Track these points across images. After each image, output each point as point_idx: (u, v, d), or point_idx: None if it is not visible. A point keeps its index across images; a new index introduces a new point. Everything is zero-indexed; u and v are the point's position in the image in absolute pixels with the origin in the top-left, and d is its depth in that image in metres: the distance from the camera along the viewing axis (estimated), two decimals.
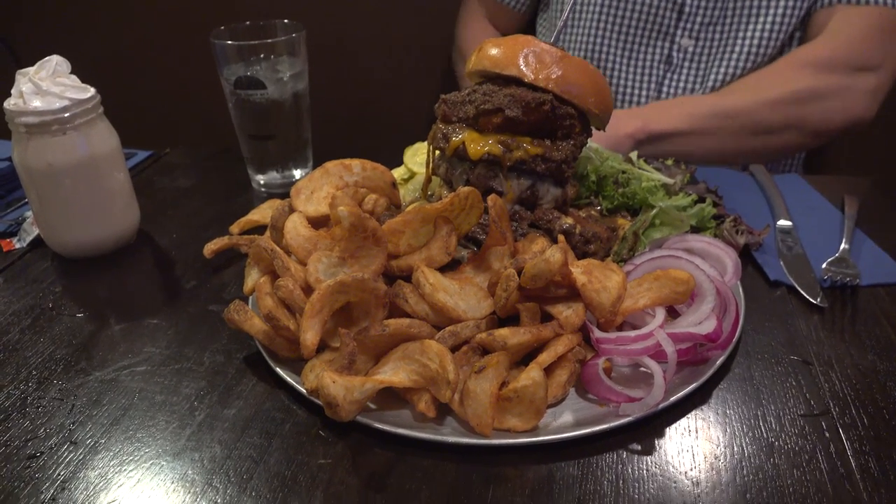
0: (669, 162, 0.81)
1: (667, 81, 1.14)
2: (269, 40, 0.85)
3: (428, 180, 0.72)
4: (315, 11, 1.38)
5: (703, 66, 1.12)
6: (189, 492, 0.50)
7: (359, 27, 1.48)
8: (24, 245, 0.82)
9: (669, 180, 0.75)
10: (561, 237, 0.62)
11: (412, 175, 0.82)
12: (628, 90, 1.17)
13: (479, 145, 0.66)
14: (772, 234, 0.76)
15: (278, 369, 0.58)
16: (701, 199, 0.74)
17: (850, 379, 0.58)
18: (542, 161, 0.66)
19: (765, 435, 0.53)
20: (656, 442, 0.52)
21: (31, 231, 0.83)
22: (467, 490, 0.49)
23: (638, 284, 0.59)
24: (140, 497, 0.50)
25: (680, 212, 0.70)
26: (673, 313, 0.60)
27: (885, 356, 0.60)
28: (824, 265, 0.70)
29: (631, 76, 1.16)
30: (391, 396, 0.55)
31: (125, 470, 0.52)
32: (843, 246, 0.73)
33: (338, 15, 1.46)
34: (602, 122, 0.70)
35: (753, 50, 1.08)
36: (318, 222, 0.66)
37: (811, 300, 0.66)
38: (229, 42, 0.85)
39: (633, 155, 0.80)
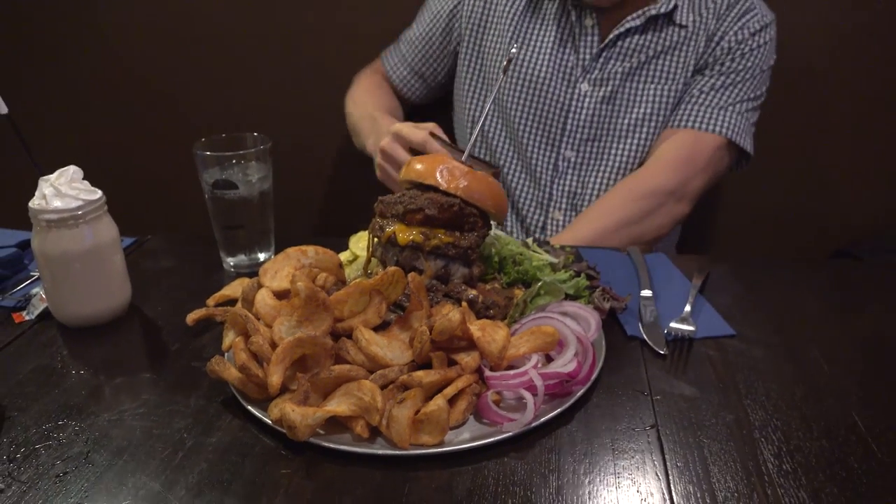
0: (558, 246, 1.04)
1: (555, 186, 1.39)
2: (241, 151, 1.06)
3: (368, 261, 0.93)
4: (280, 123, 1.62)
5: (583, 174, 1.38)
6: (184, 495, 0.67)
7: (321, 139, 1.73)
8: (33, 317, 0.99)
9: (555, 260, 0.97)
10: (465, 304, 0.83)
11: (355, 257, 1.02)
12: (524, 191, 1.43)
13: (406, 235, 0.88)
14: (635, 300, 0.98)
15: (249, 407, 0.77)
16: (579, 274, 0.96)
17: (677, 404, 0.79)
18: (452, 248, 0.87)
19: (608, 443, 0.73)
20: (529, 450, 0.72)
21: (38, 305, 1.00)
22: (390, 488, 0.67)
23: (520, 337, 0.79)
24: (146, 501, 0.67)
25: (560, 284, 0.92)
26: (549, 359, 0.81)
27: (703, 389, 0.81)
28: (671, 323, 0.92)
29: (524, 179, 1.42)
30: (335, 423, 0.74)
31: (133, 482, 0.69)
32: (686, 308, 0.95)
33: (301, 126, 1.70)
34: (498, 220, 0.92)
35: (624, 162, 1.36)
36: (280, 295, 0.86)
37: (657, 350, 0.88)
38: (208, 153, 1.06)
39: (529, 240, 1.03)
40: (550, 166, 1.40)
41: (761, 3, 1.38)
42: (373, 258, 0.92)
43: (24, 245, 1.14)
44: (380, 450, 0.71)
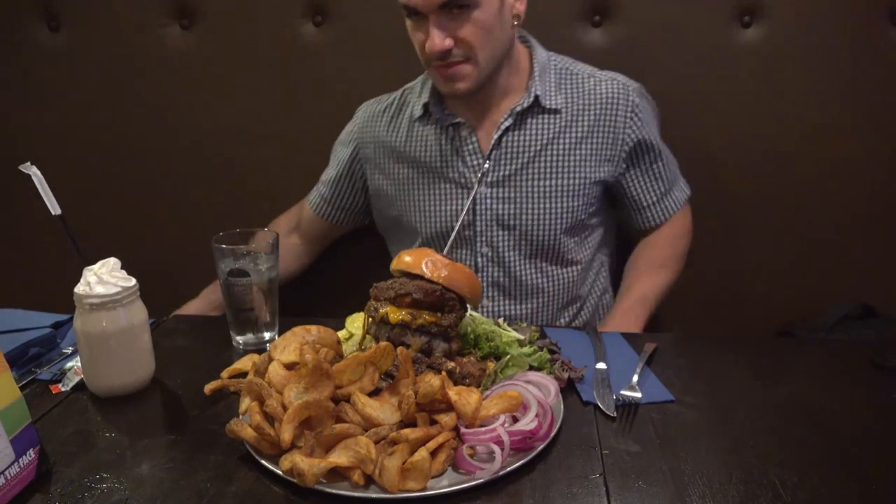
0: (524, 325, 1.21)
1: (479, 278, 1.49)
2: (253, 244, 1.24)
3: (363, 337, 1.10)
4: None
5: (505, 262, 1.48)
6: None
7: None
8: (68, 388, 1.13)
9: (521, 337, 1.14)
10: (444, 374, 0.99)
11: (351, 335, 1.18)
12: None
13: (396, 315, 1.05)
14: (591, 371, 1.14)
15: (263, 461, 0.91)
16: (542, 349, 1.13)
17: (622, 457, 0.94)
18: (435, 326, 1.04)
19: (564, 488, 0.87)
20: (497, 495, 0.86)
21: (73, 378, 1.14)
22: None
23: (490, 401, 0.95)
24: None
25: (526, 357, 1.09)
26: (515, 419, 0.96)
27: (645, 445, 0.96)
28: (620, 391, 1.08)
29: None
30: (335, 473, 0.88)
31: None
32: (634, 378, 1.11)
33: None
34: (473, 304, 1.10)
35: (541, 245, 1.48)
36: (288, 366, 1.01)
37: (607, 413, 1.04)
38: (224, 245, 1.23)
39: (500, 320, 1.20)
40: (472, 265, 1.49)
41: (626, 82, 1.47)
42: (368, 334, 1.09)
43: (57, 325, 1.29)
44: (374, 494, 0.85)
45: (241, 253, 1.24)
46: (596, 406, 1.06)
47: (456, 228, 1.42)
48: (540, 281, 1.51)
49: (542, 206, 1.44)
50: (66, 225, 1.10)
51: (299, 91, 1.78)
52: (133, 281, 1.10)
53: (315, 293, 1.86)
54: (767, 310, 1.80)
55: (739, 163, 1.72)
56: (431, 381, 0.91)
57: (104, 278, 1.07)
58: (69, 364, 1.18)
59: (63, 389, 1.13)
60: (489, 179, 1.45)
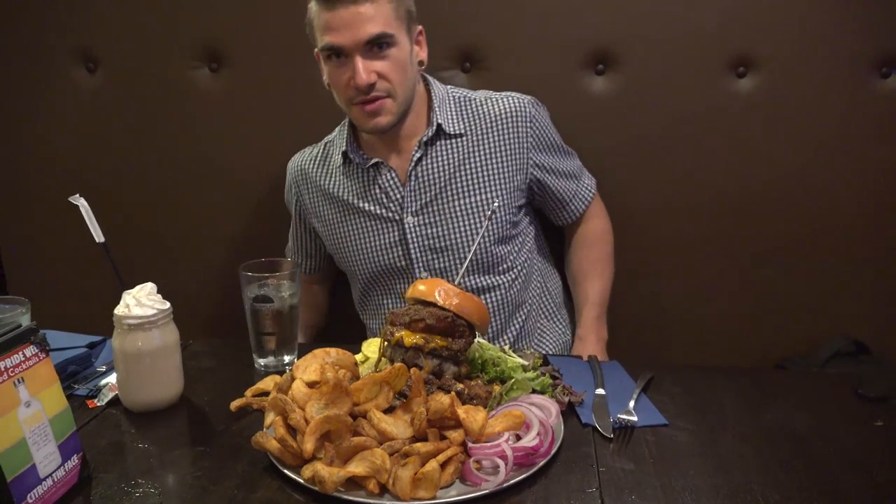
0: (528, 352, 1.29)
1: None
2: (276, 273, 1.34)
3: (378, 360, 1.18)
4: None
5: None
6: None
7: None
8: (103, 403, 1.21)
9: (525, 363, 1.22)
10: (453, 394, 1.07)
11: (367, 358, 1.27)
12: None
13: (410, 339, 1.13)
14: (590, 396, 1.22)
15: (286, 471, 0.99)
16: (545, 374, 1.21)
17: (617, 474, 1.01)
18: (445, 350, 1.13)
19: (563, 501, 0.95)
20: (500, 503, 0.94)
21: (108, 394, 1.23)
22: None
23: (495, 419, 1.03)
24: None
25: (529, 382, 1.17)
26: (518, 437, 1.04)
27: (639, 463, 1.04)
28: (618, 415, 1.16)
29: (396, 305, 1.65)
30: (352, 483, 0.96)
31: None
32: (631, 403, 1.19)
33: None
34: (482, 331, 1.18)
35: (475, 261, 1.58)
36: (310, 385, 1.10)
37: (604, 434, 1.11)
38: (250, 273, 1.33)
39: (506, 347, 1.28)
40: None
41: (520, 97, 1.60)
42: (384, 357, 1.17)
43: (92, 346, 1.38)
44: (388, 501, 0.93)
45: (265, 280, 1.33)
46: (594, 428, 1.13)
47: (394, 263, 1.58)
48: (483, 295, 1.62)
49: (466, 223, 1.56)
50: (108, 251, 1.20)
51: (324, 129, 1.88)
52: (167, 304, 1.19)
53: (330, 321, 1.95)
54: (765, 346, 1.87)
55: (734, 203, 1.81)
56: (442, 399, 0.99)
57: (142, 301, 1.16)
58: (104, 381, 1.27)
59: (98, 404, 1.22)
60: (413, 209, 1.57)
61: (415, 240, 1.58)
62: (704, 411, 1.20)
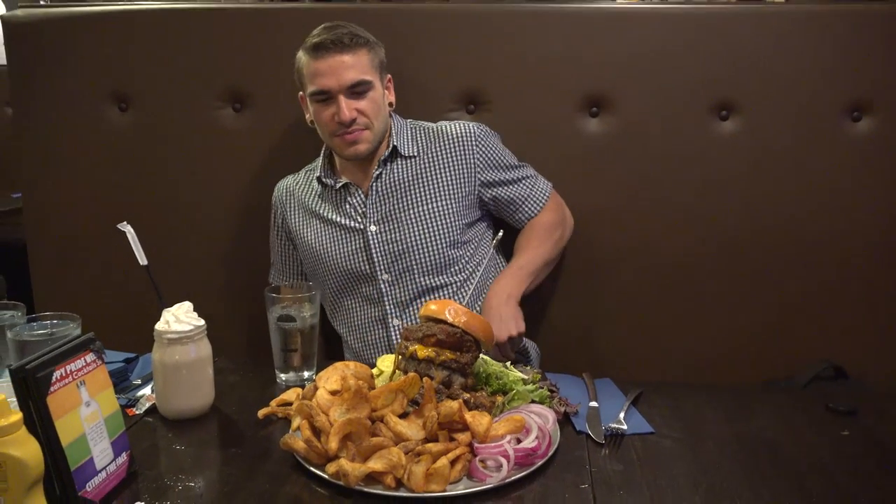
0: (528, 367, 1.41)
1: (386, 302, 1.77)
2: (298, 295, 1.47)
3: (393, 373, 1.30)
4: None
5: (404, 283, 1.76)
6: None
7: None
8: (142, 412, 1.33)
9: (525, 377, 1.35)
10: (461, 400, 1.19)
11: (381, 372, 1.39)
12: (364, 321, 1.81)
13: (423, 352, 1.26)
14: (584, 408, 1.34)
15: (312, 468, 1.11)
16: (543, 387, 1.33)
17: (607, 474, 1.13)
18: (454, 363, 1.25)
19: (559, 494, 1.07)
20: (503, 498, 1.06)
21: (145, 403, 1.35)
22: None
23: (498, 423, 1.15)
24: None
25: (529, 393, 1.29)
26: (519, 440, 1.16)
27: (627, 465, 1.16)
28: (609, 423, 1.28)
29: (362, 312, 1.81)
30: (370, 479, 1.08)
31: None
32: (621, 414, 1.31)
33: None
34: (487, 347, 1.31)
35: (434, 262, 1.74)
36: (332, 393, 1.22)
37: (597, 440, 1.23)
38: (274, 294, 1.46)
39: (508, 363, 1.41)
40: (375, 292, 1.77)
41: (469, 122, 1.81)
42: (398, 369, 1.30)
43: (128, 361, 1.50)
44: (403, 493, 1.05)
45: (288, 301, 1.46)
46: (587, 435, 1.25)
47: (358, 267, 1.77)
48: (435, 293, 1.76)
49: (420, 230, 1.74)
50: (150, 273, 1.33)
51: None
52: (203, 321, 1.32)
53: (337, 350, 2.07)
54: (748, 370, 1.99)
55: (719, 236, 1.95)
56: (451, 404, 1.12)
57: (180, 318, 1.29)
58: (141, 392, 1.39)
59: (137, 412, 1.34)
60: (374, 219, 1.77)
61: (376, 245, 1.77)
62: (688, 422, 1.32)
